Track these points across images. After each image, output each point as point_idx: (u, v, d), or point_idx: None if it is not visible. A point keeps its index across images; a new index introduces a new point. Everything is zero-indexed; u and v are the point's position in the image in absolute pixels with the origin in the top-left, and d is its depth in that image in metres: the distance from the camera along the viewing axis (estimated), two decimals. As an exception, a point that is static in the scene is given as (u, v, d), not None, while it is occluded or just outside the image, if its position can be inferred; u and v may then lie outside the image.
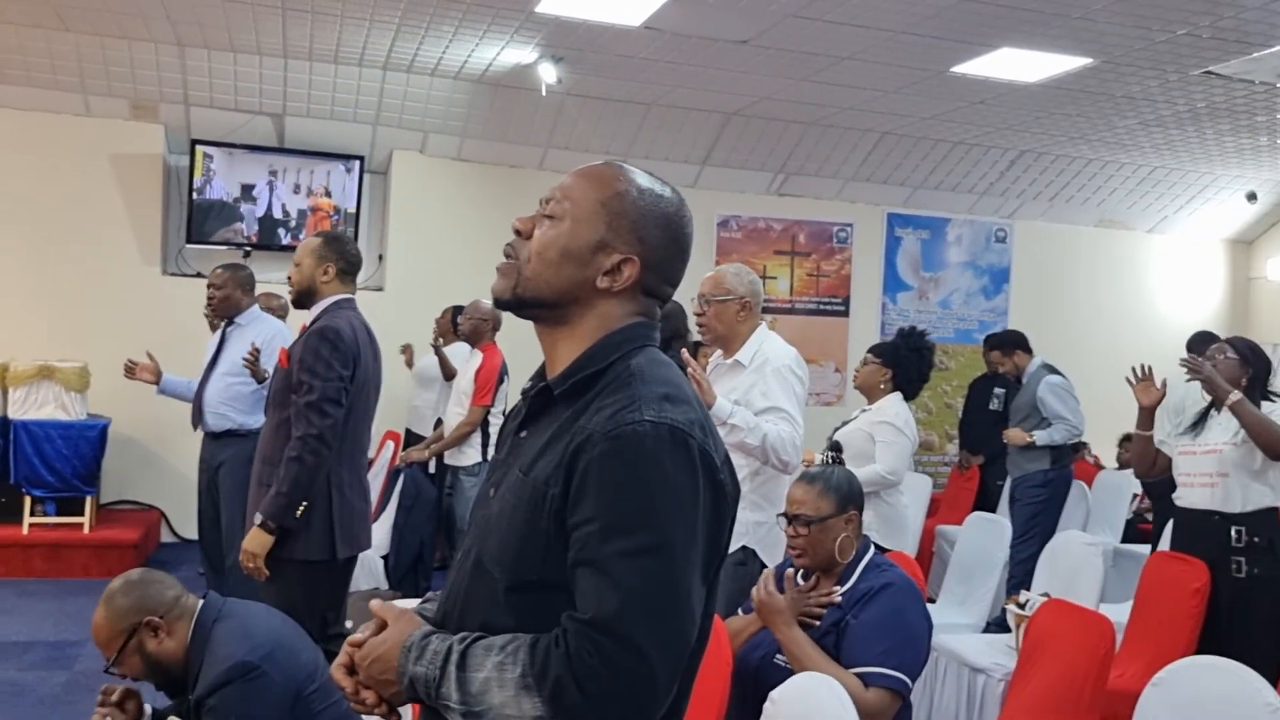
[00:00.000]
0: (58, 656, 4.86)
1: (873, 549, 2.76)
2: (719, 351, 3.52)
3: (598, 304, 1.41)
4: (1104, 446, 8.37)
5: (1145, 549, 5.57)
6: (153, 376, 4.98)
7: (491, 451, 5.36)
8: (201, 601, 2.51)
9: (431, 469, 5.75)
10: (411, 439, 6.56)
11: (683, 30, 5.93)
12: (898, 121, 7.80)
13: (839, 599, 2.60)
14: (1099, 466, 7.96)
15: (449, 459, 5.52)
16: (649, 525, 1.24)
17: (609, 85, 7.14)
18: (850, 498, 2.74)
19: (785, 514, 2.74)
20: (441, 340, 6.31)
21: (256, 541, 3.20)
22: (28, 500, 6.36)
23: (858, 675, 2.45)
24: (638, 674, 1.21)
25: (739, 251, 8.51)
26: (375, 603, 1.43)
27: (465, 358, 5.76)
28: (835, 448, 4.05)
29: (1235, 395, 3.62)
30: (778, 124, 7.93)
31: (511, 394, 4.95)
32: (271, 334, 4.72)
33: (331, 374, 3.23)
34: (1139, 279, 9.89)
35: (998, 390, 7.00)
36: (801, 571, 2.75)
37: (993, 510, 6.20)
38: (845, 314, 8.89)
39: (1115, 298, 9.76)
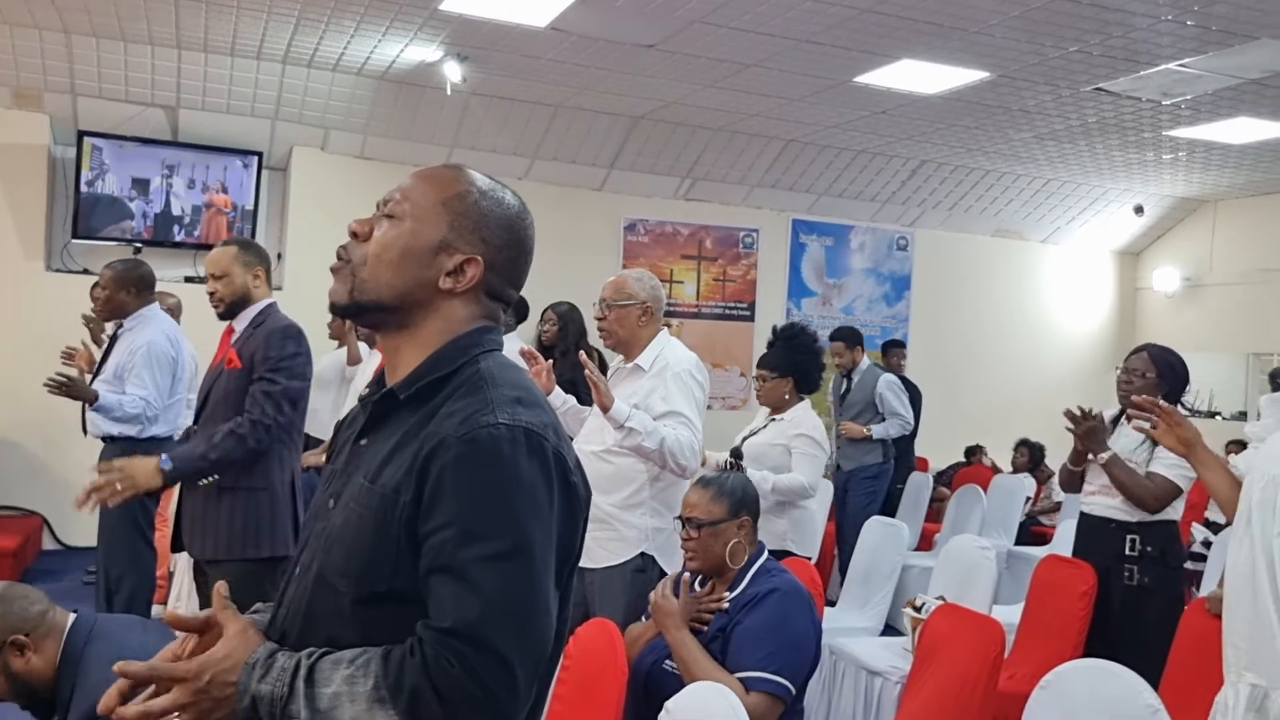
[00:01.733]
0: (-76, 673, 4.60)
1: (766, 555, 2.77)
2: (620, 357, 3.50)
3: (440, 306, 1.38)
4: (999, 450, 8.59)
5: (1039, 551, 5.71)
6: (88, 365, 4.77)
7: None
8: (72, 617, 2.37)
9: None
10: (308, 443, 6.38)
11: (589, 32, 5.91)
12: (802, 129, 7.89)
13: (726, 605, 2.63)
14: (995, 470, 8.17)
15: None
16: (508, 529, 1.22)
17: (515, 86, 7.07)
18: (744, 504, 2.76)
19: (680, 516, 2.78)
20: (337, 343, 6.17)
21: (144, 473, 3.14)
22: (-105, 507, 6.04)
23: (740, 680, 2.47)
24: (500, 680, 1.19)
25: (646, 255, 8.51)
26: (213, 609, 1.33)
27: (365, 358, 5.65)
28: (736, 454, 4.06)
29: (1105, 455, 3.68)
30: (684, 129, 7.95)
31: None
32: (138, 346, 4.43)
33: (295, 373, 3.28)
34: (1033, 287, 10.19)
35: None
36: (699, 577, 2.76)
37: (892, 514, 6.32)
38: (751, 319, 8.96)
39: (1010, 305, 10.03)
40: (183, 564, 5.10)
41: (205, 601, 3.43)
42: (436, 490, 1.24)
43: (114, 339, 4.61)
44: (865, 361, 6.53)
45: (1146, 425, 2.70)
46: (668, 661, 2.62)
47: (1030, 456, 7.87)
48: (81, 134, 7.02)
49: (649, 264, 8.23)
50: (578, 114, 7.65)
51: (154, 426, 4.43)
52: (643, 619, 2.89)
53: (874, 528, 5.06)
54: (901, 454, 6.83)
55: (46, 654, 2.31)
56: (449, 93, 6.76)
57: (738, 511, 2.72)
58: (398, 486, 1.27)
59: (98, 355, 4.83)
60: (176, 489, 3.80)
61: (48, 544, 7.07)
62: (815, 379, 4.33)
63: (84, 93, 6.92)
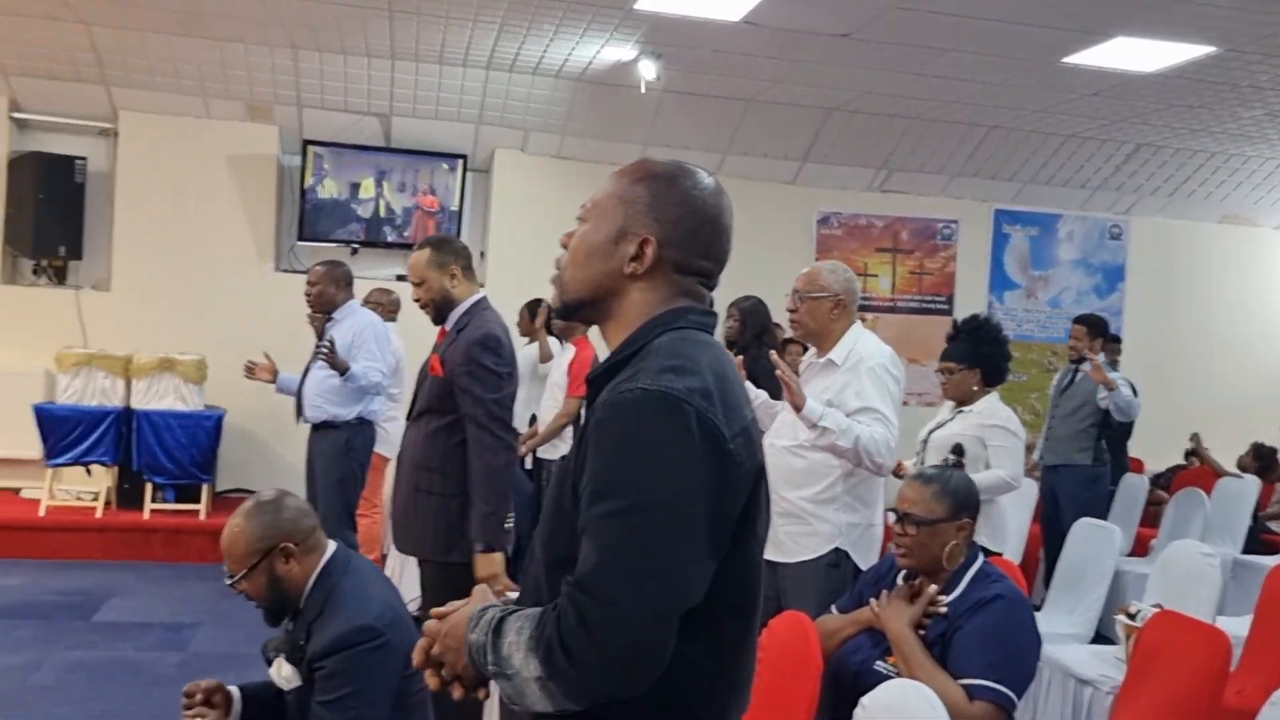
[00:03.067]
0: (173, 638, 5.06)
1: (982, 558, 2.68)
2: (812, 350, 3.47)
3: (632, 291, 1.46)
4: (1227, 452, 7.99)
5: (1269, 560, 5.30)
6: (270, 376, 5.14)
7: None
8: (333, 544, 2.48)
9: (528, 464, 5.81)
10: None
11: (782, 24, 5.87)
12: (1005, 115, 7.58)
13: (945, 610, 2.54)
14: (1219, 474, 7.60)
15: (541, 453, 5.59)
16: (628, 488, 1.28)
17: (707, 81, 7.11)
18: (966, 504, 2.66)
19: (895, 509, 2.69)
20: (526, 339, 6.33)
21: (485, 569, 3.18)
22: (149, 487, 6.64)
23: (964, 686, 2.39)
24: (612, 631, 1.24)
25: (839, 248, 8.39)
26: (478, 587, 1.50)
27: (556, 352, 5.88)
28: (958, 450, 3.91)
29: None
30: (880, 119, 7.79)
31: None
32: (361, 327, 4.89)
33: (498, 386, 3.24)
34: (1265, 278, 9.44)
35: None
36: (904, 573, 2.68)
37: (1104, 515, 5.99)
38: (949, 312, 8.67)
39: (1240, 297, 9.33)
40: (395, 551, 5.40)
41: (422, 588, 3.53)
42: (582, 456, 1.34)
43: (323, 331, 4.97)
44: (1101, 357, 6.14)
45: None
46: (879, 662, 2.56)
47: (1257, 455, 7.30)
48: (306, 143, 7.53)
49: (842, 257, 8.11)
50: (770, 107, 7.61)
51: (371, 403, 4.75)
52: (832, 610, 2.84)
53: (1083, 530, 4.82)
54: (1114, 454, 6.45)
55: (305, 568, 2.42)
56: (643, 91, 6.86)
57: (959, 513, 2.62)
58: (570, 456, 1.40)
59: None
60: (390, 477, 3.99)
61: (276, 525, 7.61)
62: (1003, 370, 4.18)
63: (308, 104, 7.42)
